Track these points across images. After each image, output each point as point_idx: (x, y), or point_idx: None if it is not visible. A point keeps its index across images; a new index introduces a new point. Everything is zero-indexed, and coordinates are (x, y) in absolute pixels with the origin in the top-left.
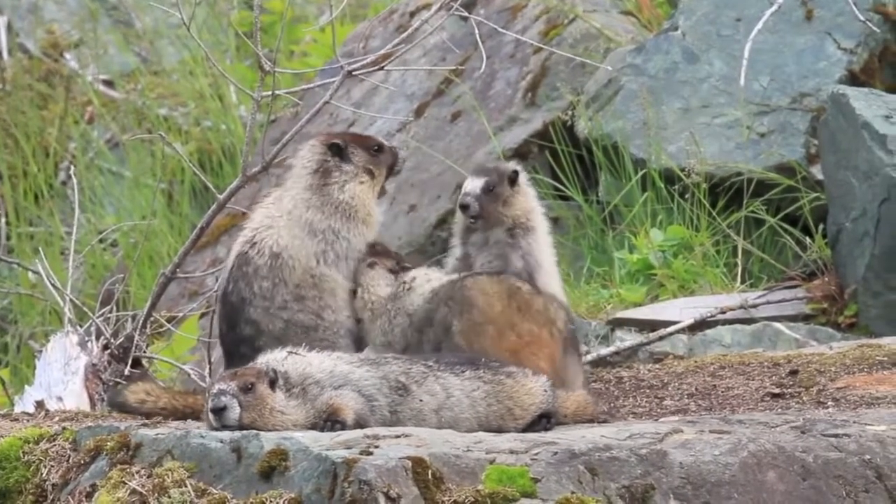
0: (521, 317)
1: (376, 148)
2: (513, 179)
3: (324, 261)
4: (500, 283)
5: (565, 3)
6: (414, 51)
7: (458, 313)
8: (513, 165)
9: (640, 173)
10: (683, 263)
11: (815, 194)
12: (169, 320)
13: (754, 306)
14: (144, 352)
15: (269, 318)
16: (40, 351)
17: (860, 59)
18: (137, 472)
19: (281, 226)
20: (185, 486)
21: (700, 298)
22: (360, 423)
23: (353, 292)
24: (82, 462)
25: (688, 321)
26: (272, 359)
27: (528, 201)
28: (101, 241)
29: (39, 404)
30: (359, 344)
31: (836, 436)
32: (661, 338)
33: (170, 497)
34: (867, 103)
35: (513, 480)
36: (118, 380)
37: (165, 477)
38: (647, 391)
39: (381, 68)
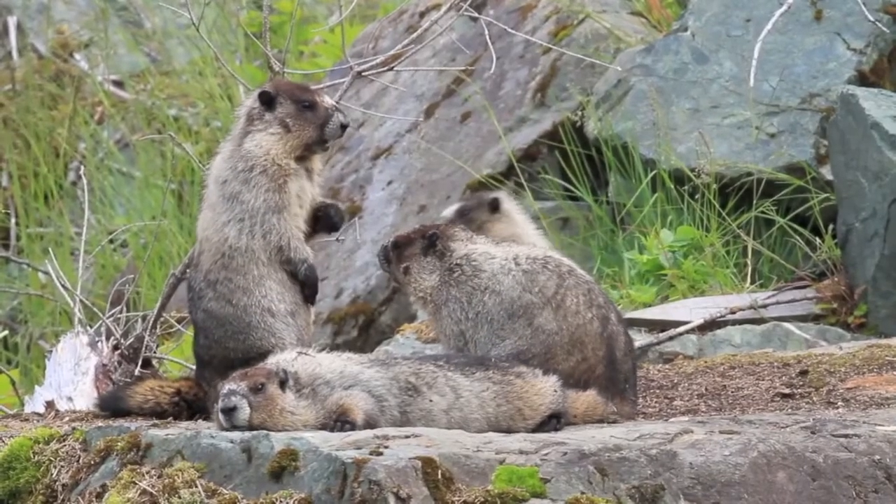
0: None
1: (306, 104)
2: (494, 206)
3: (233, 233)
4: None
5: (575, 4)
6: (424, 51)
7: None
8: (496, 193)
9: (651, 174)
10: (693, 264)
11: (825, 195)
12: (179, 321)
13: (764, 306)
14: (154, 352)
15: (193, 309)
16: (50, 351)
17: (870, 60)
18: (148, 473)
19: (208, 195)
20: (196, 487)
21: (710, 299)
22: (370, 424)
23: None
24: (92, 462)
25: (698, 321)
26: (282, 359)
27: (511, 227)
28: (111, 241)
29: (49, 404)
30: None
31: (845, 436)
32: (671, 338)
33: (180, 497)
34: (877, 103)
35: (522, 481)
36: (127, 380)
37: (176, 477)
38: (657, 391)
39: (391, 69)
